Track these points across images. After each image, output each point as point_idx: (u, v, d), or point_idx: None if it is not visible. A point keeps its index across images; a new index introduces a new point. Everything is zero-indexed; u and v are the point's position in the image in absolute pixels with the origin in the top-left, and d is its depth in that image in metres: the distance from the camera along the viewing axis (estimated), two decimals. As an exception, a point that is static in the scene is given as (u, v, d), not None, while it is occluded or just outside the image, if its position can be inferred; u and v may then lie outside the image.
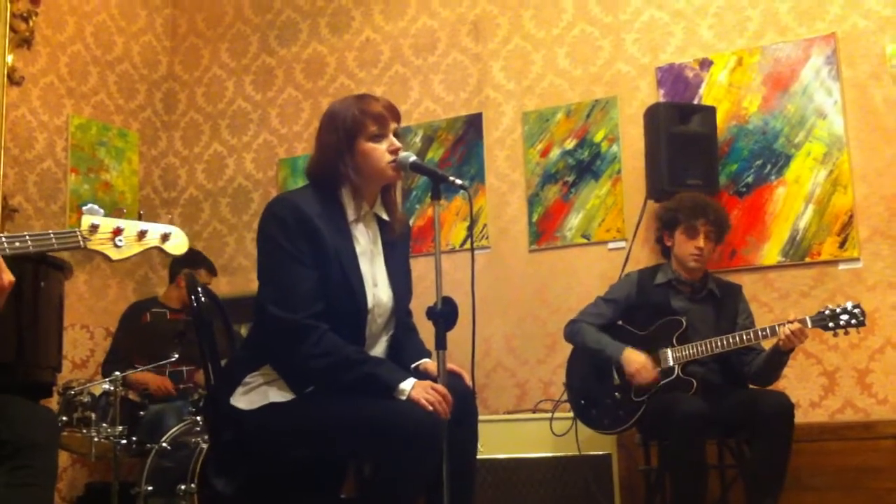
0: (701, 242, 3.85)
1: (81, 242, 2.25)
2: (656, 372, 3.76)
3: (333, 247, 2.58)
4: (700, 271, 3.94)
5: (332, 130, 2.66)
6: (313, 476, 2.74)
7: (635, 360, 3.77)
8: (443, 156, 5.40)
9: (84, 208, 2.28)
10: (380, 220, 2.77)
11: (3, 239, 2.14)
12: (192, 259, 5.02)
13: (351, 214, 2.68)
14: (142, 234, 2.36)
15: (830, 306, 3.62)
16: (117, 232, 2.31)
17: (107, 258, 2.31)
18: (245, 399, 2.59)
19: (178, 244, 2.44)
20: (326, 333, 2.52)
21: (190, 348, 4.31)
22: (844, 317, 3.57)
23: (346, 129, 2.63)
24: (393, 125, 2.68)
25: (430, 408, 2.42)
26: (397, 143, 2.67)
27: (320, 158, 2.69)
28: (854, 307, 3.58)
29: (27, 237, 2.18)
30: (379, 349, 2.73)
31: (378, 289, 2.68)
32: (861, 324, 3.58)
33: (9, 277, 2.12)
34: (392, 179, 2.70)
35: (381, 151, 2.64)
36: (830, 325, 3.59)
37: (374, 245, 2.73)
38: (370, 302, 2.64)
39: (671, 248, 3.97)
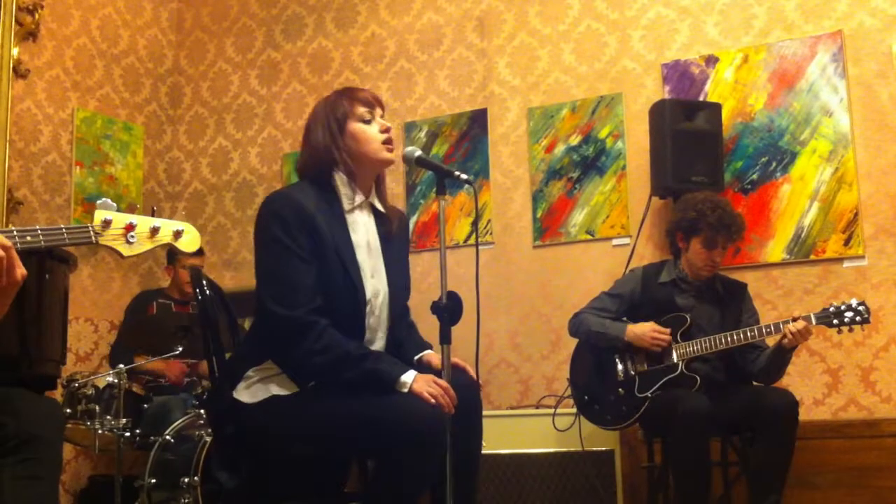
0: (718, 257, 3.85)
1: (93, 238, 2.24)
2: (667, 331, 3.77)
3: (331, 239, 2.58)
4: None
5: (321, 121, 2.70)
6: (316, 471, 2.74)
7: (641, 332, 3.79)
8: (447, 151, 5.40)
9: (97, 203, 2.27)
10: (377, 213, 2.78)
11: (15, 233, 2.13)
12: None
13: (346, 204, 2.68)
14: (154, 231, 2.35)
15: (835, 303, 3.61)
16: (129, 228, 2.30)
17: (118, 254, 2.30)
18: (248, 393, 2.60)
19: (191, 241, 2.43)
20: (327, 329, 2.52)
21: (194, 342, 4.32)
22: (849, 314, 3.57)
23: (336, 116, 2.68)
24: (379, 111, 2.74)
25: (434, 402, 2.42)
26: (387, 124, 2.72)
27: (312, 151, 2.72)
28: (858, 304, 3.58)
29: (39, 231, 2.17)
30: (379, 344, 2.73)
31: (375, 280, 2.69)
32: (865, 321, 3.57)
33: (22, 272, 2.11)
34: (387, 162, 2.72)
35: (372, 132, 2.69)
36: (835, 322, 3.58)
37: (371, 236, 2.74)
38: (368, 293, 2.64)
39: (683, 250, 3.94)
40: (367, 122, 2.69)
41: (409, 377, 2.48)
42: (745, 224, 3.94)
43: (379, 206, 2.77)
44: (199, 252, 5.10)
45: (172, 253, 5.10)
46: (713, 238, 3.81)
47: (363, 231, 2.71)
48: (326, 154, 2.66)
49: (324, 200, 2.64)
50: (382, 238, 2.76)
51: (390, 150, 2.69)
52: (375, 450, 2.51)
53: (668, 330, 3.79)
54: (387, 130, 2.70)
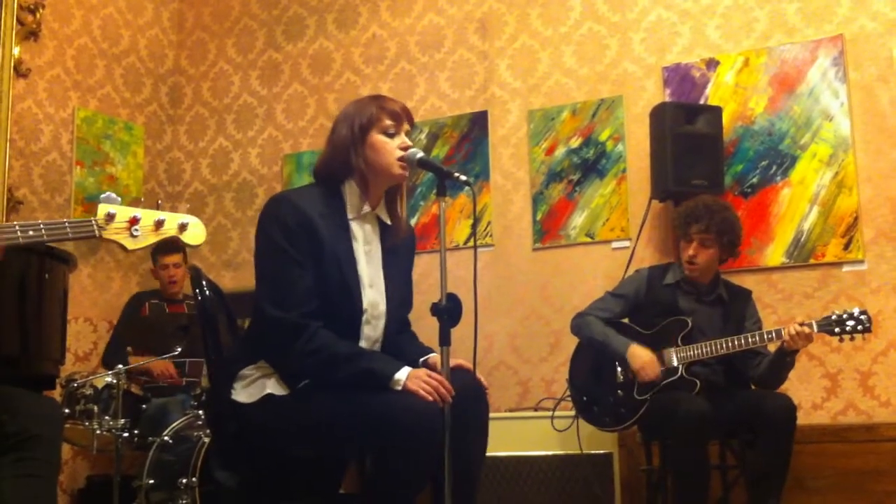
0: (692, 251, 3.81)
1: (97, 232, 2.23)
2: (660, 370, 3.76)
3: (331, 246, 2.58)
4: (706, 276, 3.91)
5: (346, 125, 2.68)
6: (314, 471, 2.74)
7: (640, 355, 3.77)
8: (448, 153, 5.40)
9: (101, 197, 2.26)
10: (381, 224, 2.77)
11: (17, 228, 2.13)
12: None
13: (351, 212, 2.68)
14: (159, 224, 2.34)
15: (837, 311, 3.61)
16: (134, 221, 2.29)
17: (122, 248, 2.29)
18: (245, 393, 2.60)
19: (196, 234, 2.42)
20: (319, 330, 2.53)
21: (194, 342, 4.31)
22: (850, 322, 3.56)
23: (361, 122, 2.66)
24: (406, 126, 2.71)
25: (430, 398, 2.42)
26: (409, 142, 2.68)
27: (331, 152, 2.70)
28: (861, 313, 3.57)
29: (41, 226, 2.17)
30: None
31: (373, 290, 2.69)
32: (867, 330, 3.57)
33: None
34: (398, 179, 2.70)
35: (392, 146, 2.66)
36: (836, 330, 3.58)
37: (373, 245, 2.74)
38: (365, 302, 2.64)
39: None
40: (391, 135, 2.67)
41: (402, 374, 2.48)
42: (724, 215, 3.81)
43: (385, 219, 2.77)
44: (175, 249, 5.05)
45: (153, 253, 5.11)
46: (686, 231, 3.82)
47: (365, 241, 2.71)
48: (344, 155, 2.65)
49: (328, 206, 2.64)
50: (386, 250, 2.76)
51: (404, 168, 2.67)
52: (372, 448, 2.51)
53: (661, 370, 3.76)
54: (406, 148, 2.67)
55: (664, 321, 3.85)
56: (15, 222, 2.15)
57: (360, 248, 2.68)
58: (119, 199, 2.27)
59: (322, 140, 2.81)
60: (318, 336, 2.52)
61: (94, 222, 2.23)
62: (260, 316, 2.61)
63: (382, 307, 2.71)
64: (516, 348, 5.12)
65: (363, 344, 2.66)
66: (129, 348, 4.84)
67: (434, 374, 2.49)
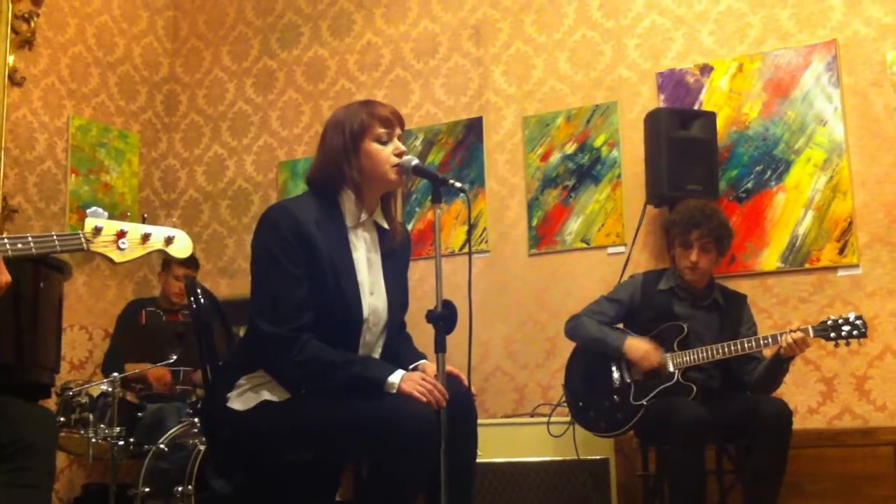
0: (694, 256, 3.81)
1: (84, 245, 2.26)
2: (661, 355, 3.75)
3: (329, 256, 2.57)
4: (702, 280, 3.92)
5: (338, 133, 2.67)
6: (310, 478, 2.74)
7: (639, 346, 3.77)
8: (443, 159, 5.40)
9: (88, 211, 2.28)
10: (379, 229, 2.77)
11: (6, 241, 2.14)
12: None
13: (350, 220, 2.68)
14: (145, 238, 2.36)
15: (833, 317, 3.61)
16: (121, 235, 2.31)
17: (110, 261, 2.31)
18: (240, 400, 2.60)
19: (183, 247, 2.44)
20: (309, 342, 2.52)
21: (189, 350, 4.31)
22: (846, 328, 3.57)
23: (353, 130, 2.65)
24: (398, 130, 2.71)
25: (424, 400, 2.43)
26: (402, 147, 2.68)
27: (324, 161, 2.69)
28: (856, 318, 3.58)
29: (30, 239, 2.19)
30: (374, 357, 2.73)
31: (374, 297, 2.68)
32: (863, 335, 3.58)
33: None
34: (394, 184, 2.70)
35: (386, 153, 2.65)
36: (832, 335, 3.59)
37: (373, 252, 2.73)
38: (365, 311, 2.64)
39: (675, 259, 3.96)
40: (384, 142, 2.67)
41: (396, 378, 2.49)
42: (721, 219, 3.88)
43: (383, 224, 2.76)
44: (192, 262, 5.08)
45: (167, 260, 5.10)
46: (685, 238, 3.83)
47: (364, 248, 2.70)
48: (338, 164, 2.64)
49: (326, 216, 2.63)
50: (384, 254, 2.76)
51: (398, 174, 2.66)
52: (369, 452, 2.51)
53: (660, 356, 3.77)
54: (400, 154, 2.67)
55: (660, 326, 3.86)
56: (4, 236, 2.17)
57: (360, 257, 2.67)
58: (105, 213, 2.30)
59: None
60: (308, 347, 2.51)
61: (81, 235, 2.26)
62: (253, 327, 2.61)
63: (384, 313, 2.71)
64: (512, 354, 5.12)
65: (361, 351, 2.66)
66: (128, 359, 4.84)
67: (428, 377, 2.49)
